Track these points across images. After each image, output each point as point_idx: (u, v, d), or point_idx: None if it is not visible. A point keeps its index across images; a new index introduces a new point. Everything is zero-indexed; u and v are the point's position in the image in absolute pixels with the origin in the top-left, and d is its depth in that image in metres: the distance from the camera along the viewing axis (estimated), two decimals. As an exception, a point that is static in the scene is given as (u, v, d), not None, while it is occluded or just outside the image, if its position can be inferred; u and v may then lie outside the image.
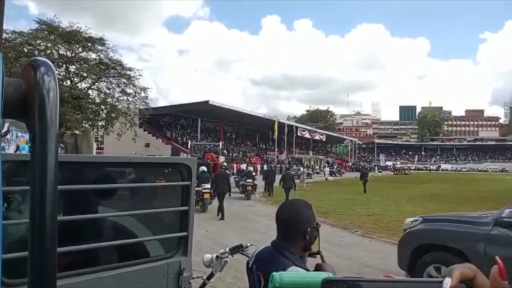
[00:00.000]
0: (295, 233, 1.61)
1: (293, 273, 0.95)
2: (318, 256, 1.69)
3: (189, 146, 27.73)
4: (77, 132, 1.82)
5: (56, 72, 0.42)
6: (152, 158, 2.21)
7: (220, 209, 11.33)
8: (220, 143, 28.53)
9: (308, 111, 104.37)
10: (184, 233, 2.04)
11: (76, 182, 1.83)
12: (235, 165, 34.28)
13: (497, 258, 0.51)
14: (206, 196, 12.09)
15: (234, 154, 48.62)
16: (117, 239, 1.89)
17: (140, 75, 27.38)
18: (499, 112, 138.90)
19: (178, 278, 2.01)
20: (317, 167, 53.12)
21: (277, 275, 0.78)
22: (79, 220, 1.73)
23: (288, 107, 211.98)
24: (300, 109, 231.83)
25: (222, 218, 11.16)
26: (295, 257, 1.57)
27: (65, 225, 1.73)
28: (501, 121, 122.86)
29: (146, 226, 2.05)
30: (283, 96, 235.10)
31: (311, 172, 39.81)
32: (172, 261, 2.00)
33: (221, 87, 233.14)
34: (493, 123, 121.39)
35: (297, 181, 18.85)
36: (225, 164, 20.78)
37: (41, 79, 0.42)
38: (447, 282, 0.49)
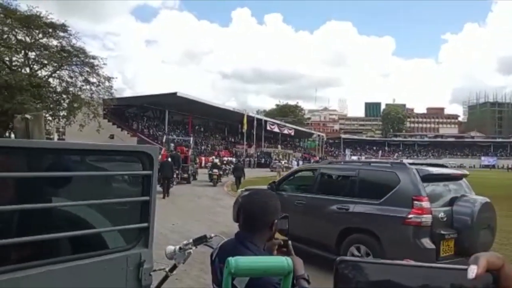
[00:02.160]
0: (262, 224, 1.58)
1: (250, 258, 0.91)
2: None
3: (164, 140, 28.54)
4: (28, 116, 1.69)
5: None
6: (111, 146, 2.09)
7: (167, 190, 14.63)
8: (191, 138, 29.04)
9: (277, 105, 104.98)
10: (145, 224, 1.96)
11: (27, 170, 1.71)
12: (203, 158, 34.08)
13: None
14: None
15: (203, 147, 48.18)
16: (73, 230, 1.79)
17: (104, 64, 26.46)
18: (458, 110, 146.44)
19: (138, 270, 1.92)
20: (285, 160, 53.70)
21: (232, 260, 0.75)
22: (31, 210, 1.61)
23: (258, 101, 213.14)
24: (269, 104, 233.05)
25: (168, 196, 14.38)
26: (258, 248, 1.54)
27: (16, 215, 1.61)
28: (460, 119, 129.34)
29: (105, 217, 1.95)
30: (253, 90, 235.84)
31: (290, 166, 41.15)
32: (132, 253, 1.91)
33: (190, 79, 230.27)
34: (452, 120, 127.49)
35: (274, 173, 22.47)
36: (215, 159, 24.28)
37: None
38: (473, 270, 0.45)
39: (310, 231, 5.86)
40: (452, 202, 5.15)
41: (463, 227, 4.90)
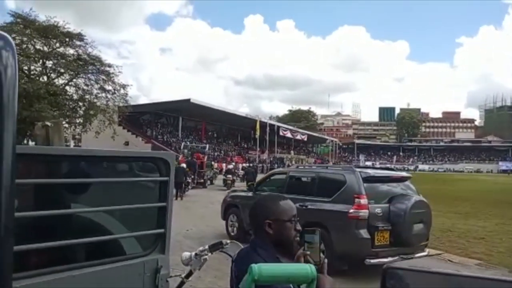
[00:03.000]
0: (257, 226, 1.59)
1: (273, 265, 0.90)
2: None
3: (182, 146, 29.71)
4: (48, 123, 1.72)
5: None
6: (128, 152, 2.11)
7: (180, 194, 16.15)
8: (207, 145, 29.84)
9: (290, 111, 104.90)
10: (162, 230, 1.97)
11: (47, 176, 1.73)
12: (216, 164, 34.31)
13: None
14: None
15: (216, 153, 48.37)
16: (91, 236, 1.80)
17: (119, 72, 26.96)
18: (475, 114, 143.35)
19: (155, 276, 1.93)
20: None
21: (256, 266, 0.74)
22: (50, 216, 1.64)
23: (270, 107, 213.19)
24: (282, 109, 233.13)
25: (181, 199, 15.82)
26: (269, 254, 1.53)
27: (35, 221, 1.63)
28: (476, 123, 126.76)
29: (122, 223, 1.96)
30: (265, 96, 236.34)
31: None
32: (149, 259, 1.92)
33: (203, 85, 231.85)
34: (469, 125, 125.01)
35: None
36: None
37: None
38: None
39: None
40: (391, 199, 5.98)
41: (397, 221, 5.66)
